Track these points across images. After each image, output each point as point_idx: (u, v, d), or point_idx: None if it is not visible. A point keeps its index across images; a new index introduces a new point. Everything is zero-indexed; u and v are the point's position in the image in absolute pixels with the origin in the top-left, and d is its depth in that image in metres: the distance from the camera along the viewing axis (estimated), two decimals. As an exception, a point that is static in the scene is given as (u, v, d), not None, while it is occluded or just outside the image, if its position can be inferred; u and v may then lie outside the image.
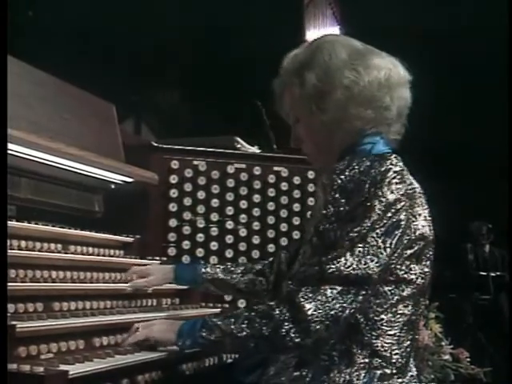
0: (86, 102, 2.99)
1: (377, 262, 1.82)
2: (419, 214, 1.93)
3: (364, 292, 1.82)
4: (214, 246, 3.46)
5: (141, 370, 1.95)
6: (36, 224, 2.35)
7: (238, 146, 3.72)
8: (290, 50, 2.11)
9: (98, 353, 1.92)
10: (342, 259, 1.81)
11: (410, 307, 1.92)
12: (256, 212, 3.53)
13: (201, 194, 3.48)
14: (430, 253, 1.99)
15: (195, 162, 3.50)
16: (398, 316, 1.90)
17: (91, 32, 6.45)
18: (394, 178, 1.88)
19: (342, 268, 1.80)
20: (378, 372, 1.87)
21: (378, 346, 1.87)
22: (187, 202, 3.46)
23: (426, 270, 1.96)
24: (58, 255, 2.32)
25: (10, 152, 2.35)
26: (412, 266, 1.91)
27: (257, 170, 3.55)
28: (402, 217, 1.87)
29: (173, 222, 3.43)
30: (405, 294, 1.91)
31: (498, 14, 6.59)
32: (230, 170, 3.53)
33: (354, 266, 1.80)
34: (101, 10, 6.39)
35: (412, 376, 1.94)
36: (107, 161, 2.80)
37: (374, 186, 1.85)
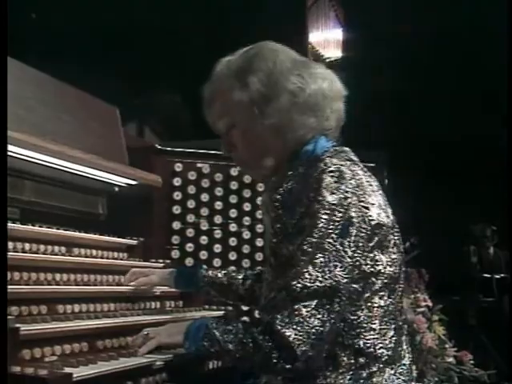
0: (90, 105, 3.00)
1: (341, 267, 1.77)
2: (372, 204, 1.86)
3: (338, 300, 1.77)
4: (217, 248, 3.47)
5: (145, 372, 1.95)
6: (40, 227, 2.35)
7: (242, 148, 3.71)
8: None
9: (101, 355, 1.92)
10: (306, 274, 1.75)
11: (385, 297, 1.87)
12: (259, 214, 3.53)
13: (204, 197, 3.49)
14: (395, 238, 1.92)
15: (199, 165, 3.50)
16: (375, 309, 1.85)
17: (93, 35, 6.45)
18: (332, 177, 1.82)
19: (308, 284, 1.75)
20: (364, 372, 1.83)
21: (360, 345, 1.83)
22: (191, 204, 3.46)
23: (394, 256, 1.89)
24: (62, 258, 2.31)
25: (13, 155, 2.35)
26: (377, 257, 1.85)
27: (260, 173, 3.55)
28: (353, 214, 1.80)
29: (176, 225, 3.43)
30: (376, 287, 1.85)
31: (498, 13, 6.58)
32: (234, 172, 3.53)
33: (320, 278, 1.75)
34: (105, 12, 6.39)
35: (404, 365, 1.90)
36: (111, 163, 2.80)
37: (313, 192, 1.81)
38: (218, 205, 3.50)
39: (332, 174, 1.83)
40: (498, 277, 7.27)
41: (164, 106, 7.93)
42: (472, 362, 3.53)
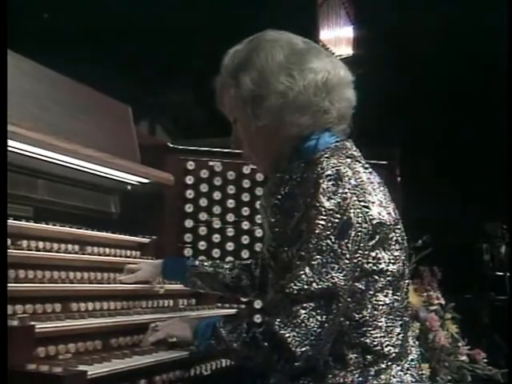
0: (102, 104, 3.00)
1: (338, 269, 1.76)
2: (372, 202, 1.84)
3: (336, 301, 1.77)
4: (229, 246, 3.47)
5: (158, 370, 1.96)
6: (53, 225, 2.36)
7: (253, 146, 3.71)
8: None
9: (115, 353, 1.93)
10: (303, 276, 1.75)
11: (390, 295, 1.86)
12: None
13: (216, 195, 3.49)
14: (397, 235, 1.90)
15: (211, 163, 3.51)
16: (380, 307, 1.85)
17: (106, 34, 6.47)
18: (329, 181, 1.80)
19: (306, 286, 1.75)
20: (372, 370, 1.83)
21: (367, 343, 1.83)
22: (203, 202, 3.46)
23: (397, 253, 1.88)
24: (75, 256, 2.33)
25: (26, 153, 2.36)
26: (379, 255, 1.84)
27: (272, 171, 3.55)
28: (351, 215, 1.79)
29: (189, 223, 3.43)
30: (379, 285, 1.84)
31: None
32: (246, 170, 3.54)
33: (316, 280, 1.75)
34: (117, 11, 6.41)
35: (412, 360, 1.90)
36: (123, 162, 2.81)
37: (310, 197, 1.80)
38: (231, 203, 3.50)
39: (329, 177, 1.81)
40: (510, 275, 7.23)
41: (176, 104, 7.95)
42: (485, 360, 3.51)
